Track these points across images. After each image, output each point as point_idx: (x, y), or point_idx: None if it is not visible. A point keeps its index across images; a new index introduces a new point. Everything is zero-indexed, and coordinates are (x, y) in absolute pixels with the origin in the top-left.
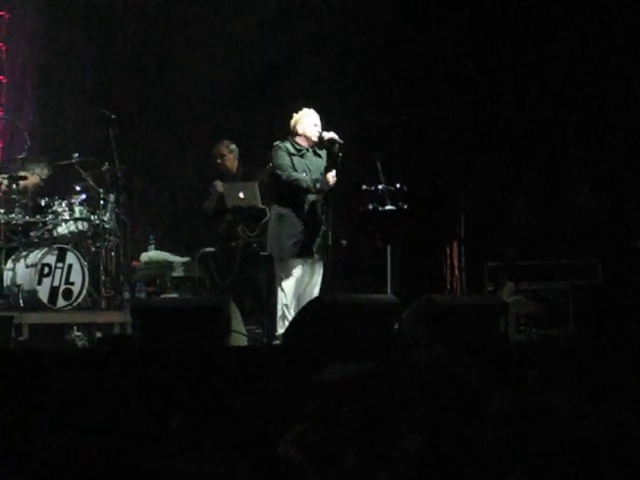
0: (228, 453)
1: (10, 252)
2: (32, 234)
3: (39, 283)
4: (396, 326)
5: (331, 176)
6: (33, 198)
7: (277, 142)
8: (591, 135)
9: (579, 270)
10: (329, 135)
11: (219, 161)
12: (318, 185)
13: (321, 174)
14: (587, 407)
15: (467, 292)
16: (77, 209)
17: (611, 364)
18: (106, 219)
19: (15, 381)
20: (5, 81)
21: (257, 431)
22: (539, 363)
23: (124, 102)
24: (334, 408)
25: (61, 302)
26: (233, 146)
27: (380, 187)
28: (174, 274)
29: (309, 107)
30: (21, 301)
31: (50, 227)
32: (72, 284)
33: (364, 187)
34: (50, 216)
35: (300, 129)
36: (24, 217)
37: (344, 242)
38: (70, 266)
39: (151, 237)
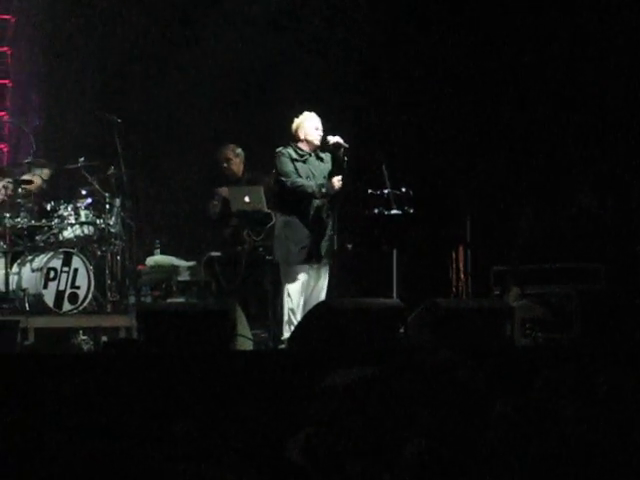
0: (233, 457)
1: (16, 256)
2: (38, 238)
3: (45, 287)
4: (402, 330)
5: (336, 180)
6: (39, 202)
7: (279, 149)
8: (594, 138)
9: (585, 274)
10: (334, 139)
11: (225, 165)
12: (323, 190)
13: (325, 178)
14: (592, 411)
15: (473, 296)
16: (83, 213)
17: (616, 368)
18: (112, 223)
19: (21, 385)
20: (11, 85)
21: (262, 435)
22: (545, 368)
23: (129, 106)
24: (339, 412)
25: (67, 306)
26: (239, 150)
27: (386, 191)
28: (180, 278)
29: (310, 110)
30: (27, 305)
31: (56, 231)
32: (78, 288)
33: (370, 191)
34: (56, 220)
35: (302, 134)
36: (30, 221)
37: (350, 246)
38: (76, 270)
39: (157, 241)
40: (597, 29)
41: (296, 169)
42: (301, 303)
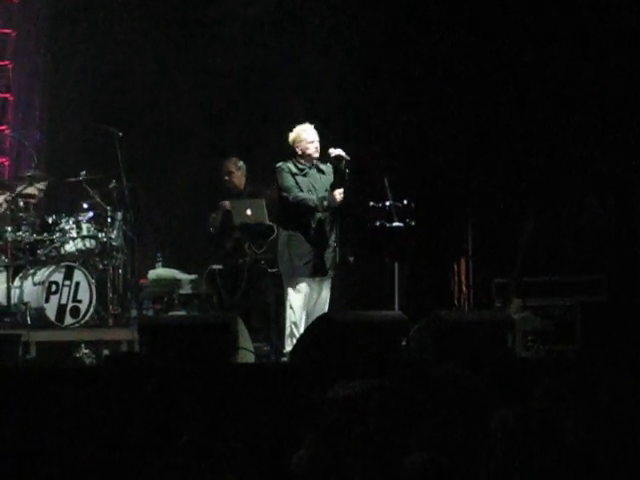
0: (236, 470)
1: (18, 270)
2: (39, 252)
3: (46, 301)
4: (404, 343)
5: (338, 193)
6: (40, 216)
7: (279, 164)
8: (597, 145)
9: (586, 286)
10: (336, 152)
11: (227, 178)
12: (325, 203)
13: (327, 191)
14: (593, 421)
15: (474, 308)
16: (84, 227)
17: (618, 378)
18: (113, 236)
19: (23, 399)
20: (12, 99)
21: (265, 448)
22: (546, 379)
23: (131, 119)
24: (342, 425)
25: (68, 320)
26: (241, 163)
27: (387, 203)
28: (181, 291)
29: (305, 122)
30: (29, 319)
31: (57, 245)
32: (79, 302)
33: (371, 204)
34: (57, 234)
35: (299, 150)
36: (31, 235)
37: (351, 259)
38: (77, 284)
39: (158, 254)
40: (597, 29)
41: (297, 183)
42: (303, 316)
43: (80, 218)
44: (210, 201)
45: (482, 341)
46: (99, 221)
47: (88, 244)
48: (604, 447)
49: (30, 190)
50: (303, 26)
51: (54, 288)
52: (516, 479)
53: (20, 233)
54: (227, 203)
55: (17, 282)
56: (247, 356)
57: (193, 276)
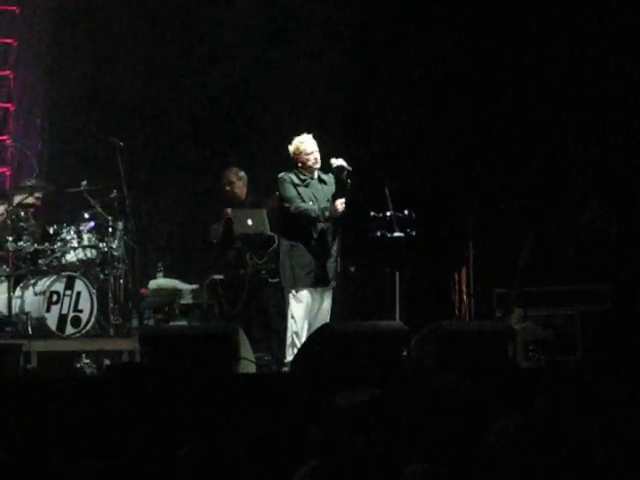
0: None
1: (18, 280)
2: (40, 262)
3: (47, 311)
4: (405, 353)
5: (340, 203)
6: (41, 226)
7: (281, 174)
8: (599, 151)
9: (587, 296)
10: (337, 162)
11: (228, 188)
12: (327, 213)
13: (328, 201)
14: (595, 433)
15: (475, 318)
16: (85, 236)
17: (620, 386)
18: (114, 246)
19: (24, 409)
20: (13, 109)
21: (266, 458)
22: (547, 389)
23: (132, 129)
24: (341, 434)
25: (70, 330)
26: (242, 173)
27: (388, 214)
28: (183, 301)
29: (303, 133)
30: (30, 329)
31: (58, 255)
32: (80, 312)
33: (372, 214)
34: (58, 244)
35: (299, 161)
36: (32, 245)
37: (352, 268)
38: (79, 294)
39: (159, 264)
40: (597, 29)
41: (299, 194)
42: (305, 326)
43: (81, 228)
44: (211, 211)
45: (483, 351)
46: (100, 231)
47: (89, 254)
48: (606, 456)
49: (30, 200)
50: (303, 27)
51: (55, 298)
52: None
53: (21, 243)
54: (230, 211)
55: (18, 292)
56: (248, 366)
57: (194, 286)
